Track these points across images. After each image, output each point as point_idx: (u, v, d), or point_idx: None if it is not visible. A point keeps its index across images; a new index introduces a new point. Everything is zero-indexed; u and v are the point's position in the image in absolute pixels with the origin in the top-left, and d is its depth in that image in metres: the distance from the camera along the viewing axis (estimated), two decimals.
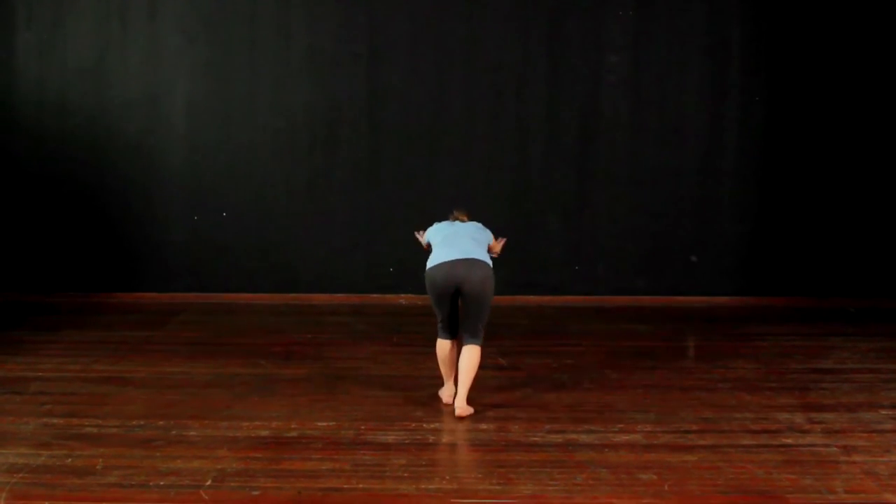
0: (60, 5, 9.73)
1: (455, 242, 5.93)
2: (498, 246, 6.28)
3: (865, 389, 6.63)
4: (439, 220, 6.35)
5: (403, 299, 9.69)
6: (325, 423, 5.77)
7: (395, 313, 9.28)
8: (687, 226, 9.92)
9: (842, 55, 9.75)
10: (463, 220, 6.28)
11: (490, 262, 5.93)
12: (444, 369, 6.09)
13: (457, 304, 5.97)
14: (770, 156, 9.85)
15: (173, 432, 5.58)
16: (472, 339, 5.88)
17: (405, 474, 4.96)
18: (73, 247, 9.85)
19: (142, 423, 5.74)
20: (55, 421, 5.77)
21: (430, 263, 5.92)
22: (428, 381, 6.10)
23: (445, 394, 6.10)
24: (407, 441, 5.48)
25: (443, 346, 6.02)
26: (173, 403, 6.18)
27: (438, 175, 9.87)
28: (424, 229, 6.38)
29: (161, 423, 5.74)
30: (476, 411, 5.85)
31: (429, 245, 6.23)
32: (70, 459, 5.12)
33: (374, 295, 9.86)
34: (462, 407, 5.83)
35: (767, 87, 9.81)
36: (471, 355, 5.85)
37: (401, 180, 9.88)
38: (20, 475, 4.88)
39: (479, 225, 6.25)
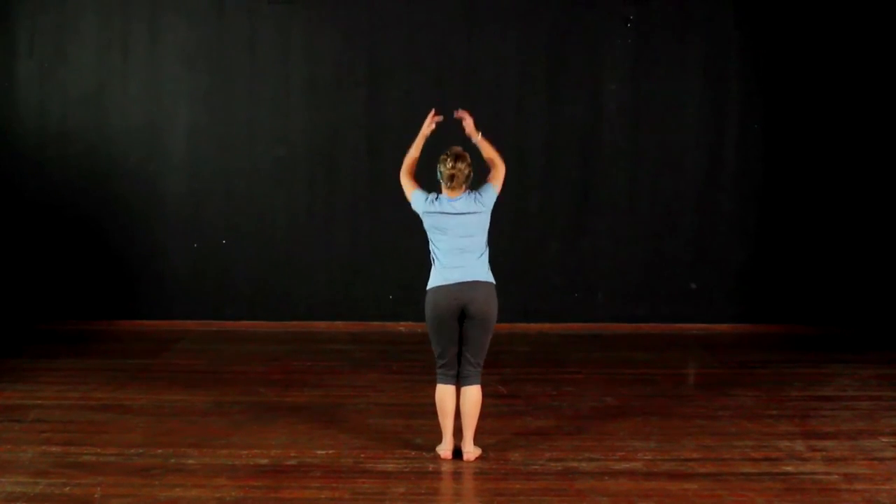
0: (62, 34, 9.79)
1: (457, 260, 5.68)
2: (489, 150, 5.90)
3: (866, 417, 6.62)
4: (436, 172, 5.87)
5: (403, 327, 9.68)
6: (324, 452, 5.75)
7: (394, 341, 9.27)
8: (686, 253, 9.93)
9: (841, 82, 9.79)
10: (457, 187, 5.77)
11: (493, 281, 5.70)
12: (444, 420, 5.69)
13: (458, 336, 5.68)
14: (769, 183, 9.88)
15: (172, 460, 5.56)
16: (472, 378, 5.66)
17: (405, 503, 4.93)
18: (72, 274, 9.85)
19: (140, 451, 5.72)
20: (53, 449, 5.75)
21: (431, 284, 5.68)
22: (428, 409, 6.08)
23: (444, 449, 5.71)
24: (406, 469, 5.46)
25: (443, 392, 5.68)
26: (172, 431, 6.16)
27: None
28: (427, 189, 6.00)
29: (160, 451, 5.72)
30: (475, 439, 5.81)
31: (411, 164, 5.90)
32: (68, 488, 5.10)
33: (374, 322, 9.85)
34: (470, 450, 5.66)
35: (766, 115, 9.85)
36: (472, 396, 5.65)
37: (400, 207, 9.84)
38: None
39: (477, 199, 5.76)
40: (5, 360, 8.19)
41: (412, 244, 9.67)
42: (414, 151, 6.03)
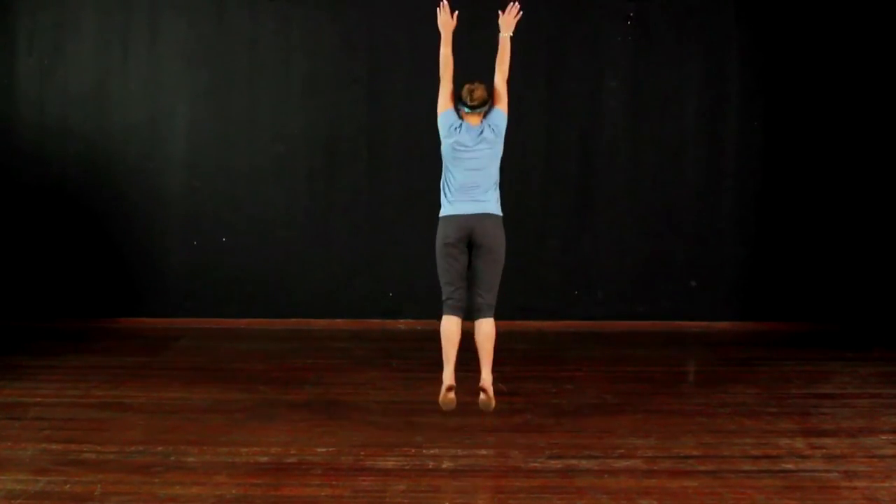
0: (61, 30, 9.77)
1: (467, 195, 6.01)
2: (505, 58, 6.58)
3: (866, 414, 6.62)
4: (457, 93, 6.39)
5: (403, 324, 9.68)
6: (324, 449, 5.75)
7: (394, 338, 9.26)
8: (686, 251, 9.93)
9: (841, 79, 9.79)
10: (476, 116, 6.33)
11: (501, 214, 6.06)
12: (448, 348, 5.82)
13: (466, 269, 5.92)
14: (769, 180, 9.87)
15: (172, 458, 5.56)
16: (485, 312, 5.86)
17: (405, 500, 4.94)
18: (72, 271, 9.85)
19: (140, 448, 5.72)
20: (53, 447, 5.75)
21: (442, 213, 6.04)
22: (428, 407, 6.10)
23: (446, 375, 5.81)
24: (407, 467, 5.46)
25: (448, 322, 5.85)
26: (172, 429, 6.16)
27: (438, 200, 9.86)
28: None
29: (160, 448, 5.72)
30: (475, 437, 5.81)
31: (446, 63, 6.42)
32: (68, 486, 5.10)
33: (374, 320, 9.84)
34: (486, 377, 5.80)
35: (766, 112, 9.84)
36: (487, 328, 5.81)
37: (400, 205, 9.89)
38: (18, 501, 4.86)
39: (490, 126, 6.34)
40: (5, 357, 8.19)
41: (412, 241, 9.69)
42: (444, 48, 6.40)
